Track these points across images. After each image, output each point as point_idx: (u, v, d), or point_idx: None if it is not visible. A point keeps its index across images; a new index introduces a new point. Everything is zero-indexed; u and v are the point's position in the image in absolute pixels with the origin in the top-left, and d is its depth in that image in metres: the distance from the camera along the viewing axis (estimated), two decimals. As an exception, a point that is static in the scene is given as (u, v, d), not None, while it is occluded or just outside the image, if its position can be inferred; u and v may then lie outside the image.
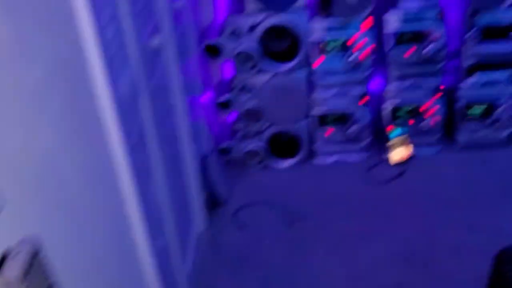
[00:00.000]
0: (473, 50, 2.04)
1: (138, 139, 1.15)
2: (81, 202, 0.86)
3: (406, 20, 2.00)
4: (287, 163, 2.22)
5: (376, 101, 2.21)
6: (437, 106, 2.12)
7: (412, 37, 2.01)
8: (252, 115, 2.13)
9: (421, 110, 2.12)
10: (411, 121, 2.15)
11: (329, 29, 2.02)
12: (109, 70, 0.93)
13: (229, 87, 2.17)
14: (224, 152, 2.21)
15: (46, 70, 0.77)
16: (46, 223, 0.74)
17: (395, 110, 2.14)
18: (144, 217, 1.08)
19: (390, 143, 2.16)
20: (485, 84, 2.10)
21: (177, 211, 1.45)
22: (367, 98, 2.13)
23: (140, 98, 1.19)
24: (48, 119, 0.77)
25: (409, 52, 2.04)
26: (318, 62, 2.07)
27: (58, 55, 0.81)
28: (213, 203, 1.97)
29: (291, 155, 2.21)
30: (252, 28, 1.99)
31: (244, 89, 2.09)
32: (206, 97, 2.12)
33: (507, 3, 1.95)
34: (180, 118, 1.61)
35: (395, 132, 2.15)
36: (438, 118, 2.12)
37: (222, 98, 2.10)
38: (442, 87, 2.11)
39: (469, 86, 2.10)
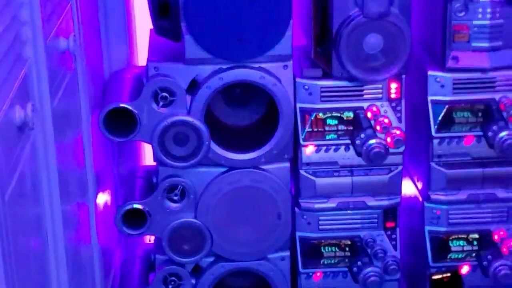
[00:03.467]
0: None
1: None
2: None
3: (465, 84, 2.16)
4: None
5: (413, 223, 2.27)
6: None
7: (474, 113, 2.19)
8: (186, 239, 2.19)
9: (493, 237, 2.28)
10: (473, 257, 2.29)
11: (330, 93, 2.14)
12: None
13: (146, 186, 2.24)
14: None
15: None
16: None
17: (447, 238, 2.26)
18: None
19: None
20: None
21: None
22: (395, 217, 2.25)
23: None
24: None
25: (470, 139, 2.17)
26: (308, 151, 2.16)
27: None
28: None
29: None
30: (195, 86, 2.07)
31: (172, 191, 2.14)
32: (103, 203, 2.21)
33: None
34: (51, 245, 1.69)
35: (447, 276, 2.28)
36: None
37: (133, 206, 2.14)
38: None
39: None
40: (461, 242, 2.29)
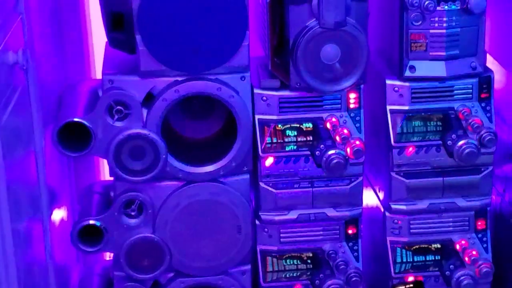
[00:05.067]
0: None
1: None
2: None
3: (423, 93, 2.18)
4: None
5: (375, 233, 2.29)
6: (476, 244, 2.28)
7: (433, 122, 2.20)
8: (144, 255, 2.18)
9: (454, 247, 2.29)
10: (435, 267, 2.30)
11: (288, 104, 2.14)
12: None
13: (103, 201, 2.23)
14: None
15: None
16: None
17: (409, 248, 2.28)
18: None
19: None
20: None
21: None
22: (356, 227, 2.26)
23: None
24: None
25: (429, 148, 2.21)
26: (267, 163, 2.17)
27: None
28: None
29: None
30: (151, 99, 2.07)
31: (129, 206, 2.14)
32: (59, 219, 2.17)
33: None
34: (1, 264, 1.66)
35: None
36: (486, 266, 2.24)
37: (89, 222, 2.14)
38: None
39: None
40: (423, 252, 2.30)
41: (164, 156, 2.05)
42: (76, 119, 2.04)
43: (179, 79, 2.05)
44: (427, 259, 2.29)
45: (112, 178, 2.15)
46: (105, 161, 2.16)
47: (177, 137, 2.19)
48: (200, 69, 2.05)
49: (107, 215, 2.13)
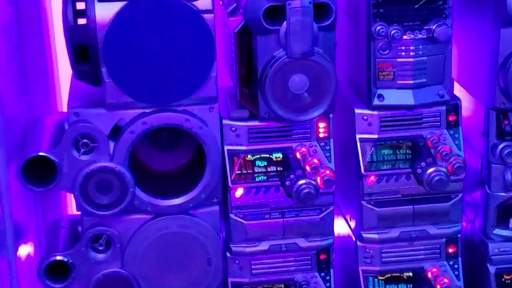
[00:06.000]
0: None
1: None
2: None
3: (391, 122, 2.19)
4: None
5: (348, 262, 2.32)
6: (448, 271, 2.28)
7: (403, 150, 2.20)
8: None
9: (426, 274, 2.29)
10: None
11: (258, 134, 2.14)
12: None
13: (71, 236, 2.19)
14: None
15: None
16: None
17: (381, 277, 2.28)
18: None
19: None
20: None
21: None
22: (329, 258, 2.24)
23: None
24: None
25: (399, 176, 2.19)
26: (237, 194, 2.16)
27: None
28: None
29: None
30: (118, 131, 2.06)
31: (96, 240, 2.12)
32: (25, 255, 2.14)
33: None
34: None
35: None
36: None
37: (55, 258, 2.12)
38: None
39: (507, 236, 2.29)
40: (395, 281, 2.29)
41: (132, 189, 2.03)
42: (41, 153, 2.02)
43: (147, 111, 2.04)
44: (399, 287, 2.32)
45: (79, 213, 2.12)
46: (72, 195, 2.15)
47: (145, 170, 2.17)
48: (168, 100, 2.03)
49: (75, 250, 2.10)
